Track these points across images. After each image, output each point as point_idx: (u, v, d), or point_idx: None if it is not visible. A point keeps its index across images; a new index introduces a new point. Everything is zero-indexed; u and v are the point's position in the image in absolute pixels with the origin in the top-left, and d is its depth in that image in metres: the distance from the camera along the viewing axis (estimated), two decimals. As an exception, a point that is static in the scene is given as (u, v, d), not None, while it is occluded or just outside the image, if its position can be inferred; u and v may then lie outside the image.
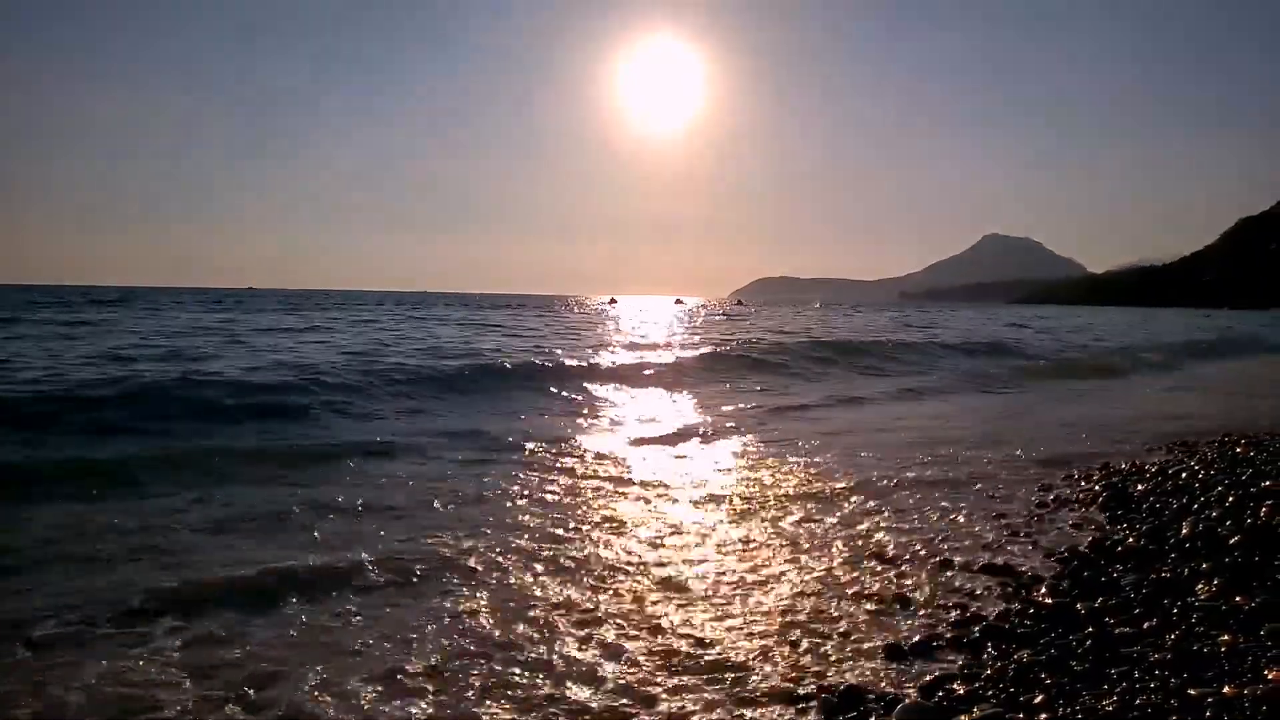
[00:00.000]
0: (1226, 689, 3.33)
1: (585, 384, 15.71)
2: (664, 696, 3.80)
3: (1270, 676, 3.40)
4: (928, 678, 3.82)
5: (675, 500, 7.34)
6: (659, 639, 4.41)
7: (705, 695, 3.81)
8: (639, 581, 5.28)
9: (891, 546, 5.96)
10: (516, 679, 3.96)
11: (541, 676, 3.98)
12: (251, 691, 3.79)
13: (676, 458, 9.48)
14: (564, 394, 14.61)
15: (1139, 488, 7.39)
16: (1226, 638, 3.89)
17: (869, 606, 4.81)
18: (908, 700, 3.62)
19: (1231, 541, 5.31)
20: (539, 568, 5.49)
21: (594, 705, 3.72)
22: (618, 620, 4.65)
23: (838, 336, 30.02)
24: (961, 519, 6.73)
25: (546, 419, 12.35)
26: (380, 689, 3.84)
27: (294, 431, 10.37)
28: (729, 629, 4.53)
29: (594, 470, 8.55)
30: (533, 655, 4.20)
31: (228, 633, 4.40)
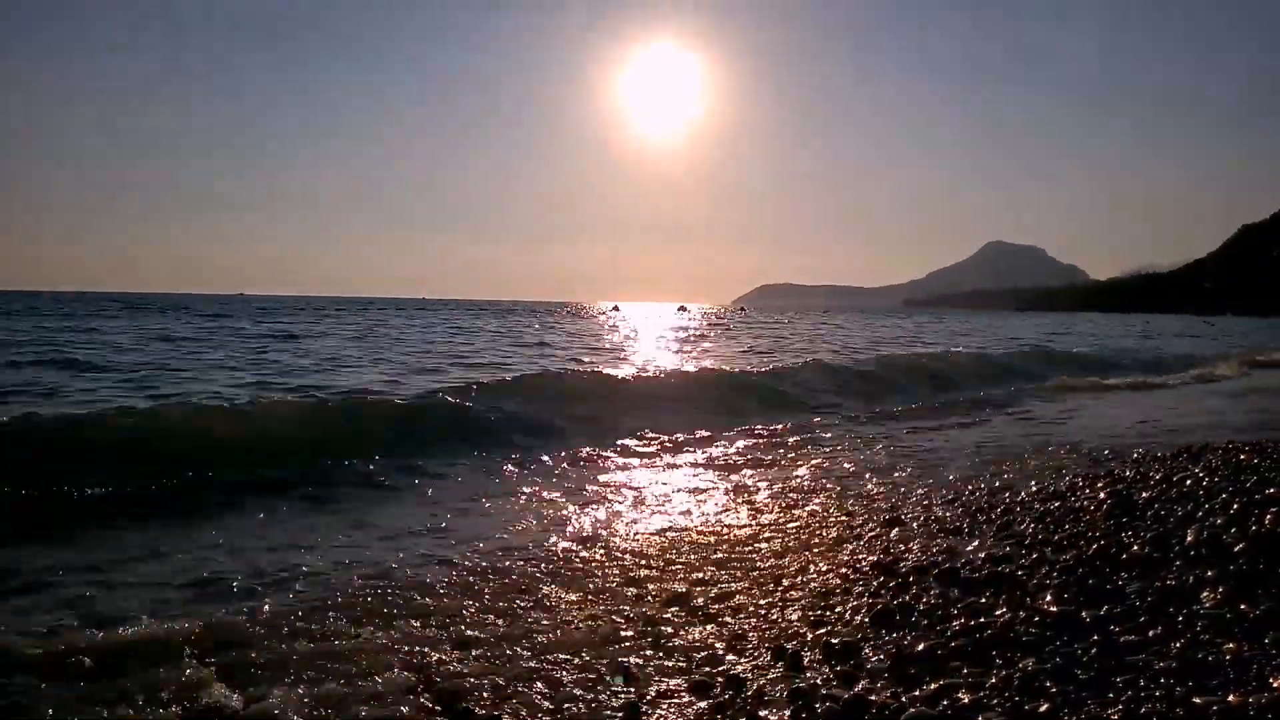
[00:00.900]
0: (1232, 697, 3.33)
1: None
2: None
3: (1276, 684, 3.40)
4: (932, 686, 3.81)
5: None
6: None
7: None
8: None
9: (890, 554, 5.95)
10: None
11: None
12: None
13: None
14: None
15: (1143, 495, 7.38)
16: (1232, 646, 3.87)
17: (867, 616, 4.80)
18: (912, 710, 3.61)
19: (1237, 549, 5.29)
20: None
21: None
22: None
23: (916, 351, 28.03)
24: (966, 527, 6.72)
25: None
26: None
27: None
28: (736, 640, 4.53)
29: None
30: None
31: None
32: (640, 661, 4.34)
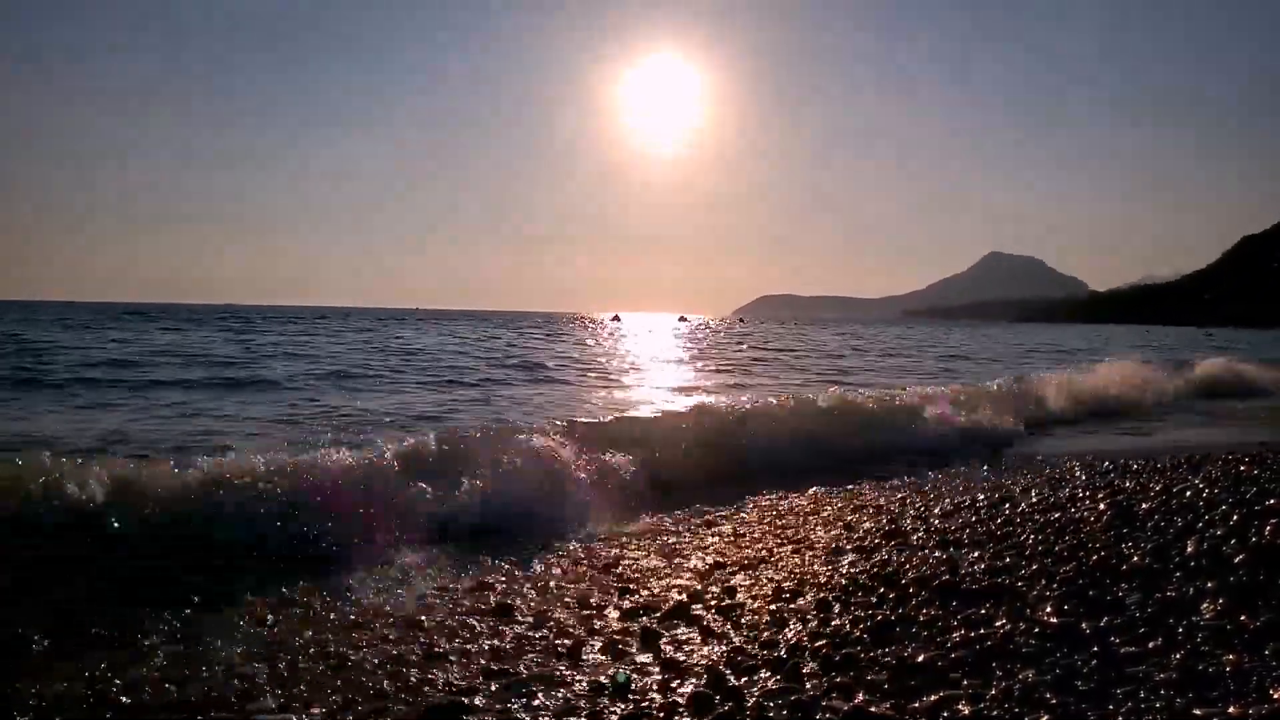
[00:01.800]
0: (1232, 709, 3.33)
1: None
2: None
3: (1276, 696, 3.39)
4: (932, 698, 3.81)
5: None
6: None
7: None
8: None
9: (890, 565, 5.95)
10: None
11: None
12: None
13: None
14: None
15: (1144, 506, 7.37)
16: (1232, 657, 3.87)
17: (867, 628, 4.80)
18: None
19: (1236, 560, 5.29)
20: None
21: None
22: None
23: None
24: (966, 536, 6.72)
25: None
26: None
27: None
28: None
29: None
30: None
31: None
32: (640, 674, 4.34)
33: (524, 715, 3.85)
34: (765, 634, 4.80)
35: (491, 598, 5.55)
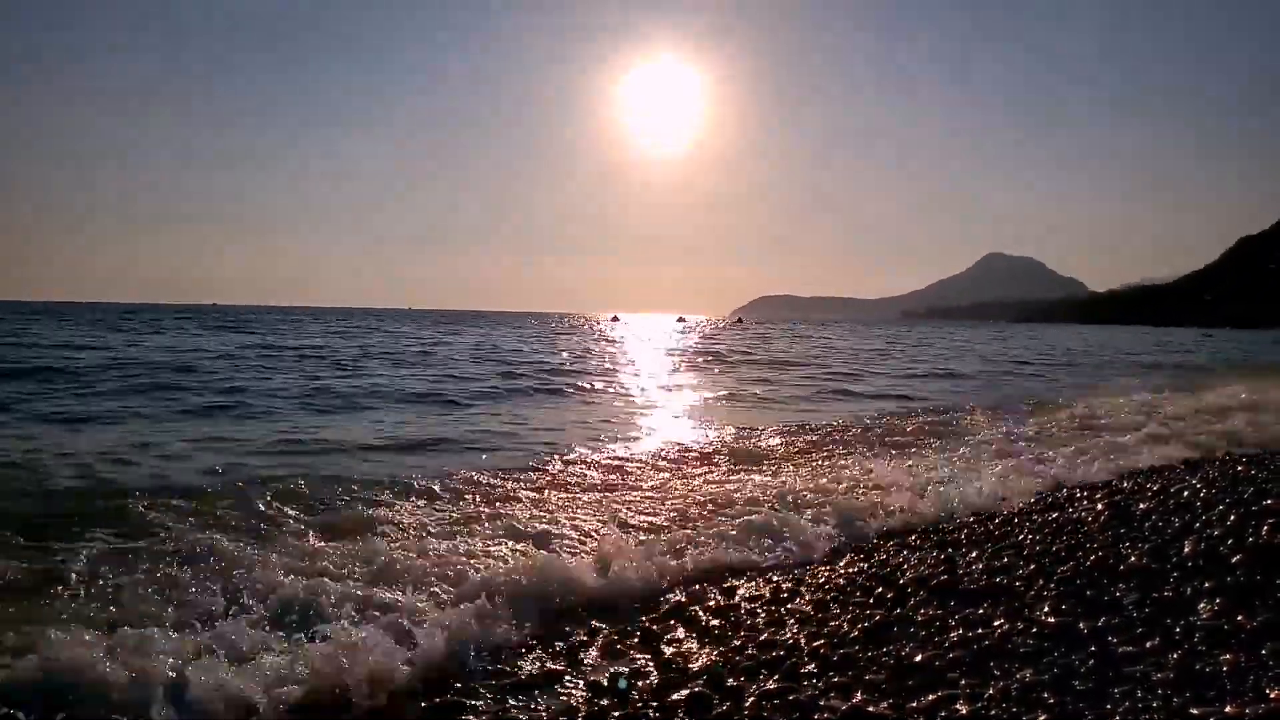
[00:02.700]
0: (1229, 708, 3.33)
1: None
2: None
3: (1273, 696, 3.40)
4: (931, 698, 3.81)
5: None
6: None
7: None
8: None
9: (888, 565, 5.95)
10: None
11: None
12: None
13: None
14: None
15: (1141, 506, 7.38)
16: (1229, 657, 3.88)
17: (865, 627, 4.80)
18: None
19: (1234, 560, 5.30)
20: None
21: None
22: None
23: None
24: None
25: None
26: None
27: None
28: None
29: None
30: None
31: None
32: (638, 676, 4.34)
33: None
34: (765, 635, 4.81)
35: None
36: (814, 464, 10.44)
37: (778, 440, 12.43)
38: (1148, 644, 4.18)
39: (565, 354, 33.96)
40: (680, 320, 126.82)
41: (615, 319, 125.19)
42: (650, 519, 7.48)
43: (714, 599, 5.53)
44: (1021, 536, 6.61)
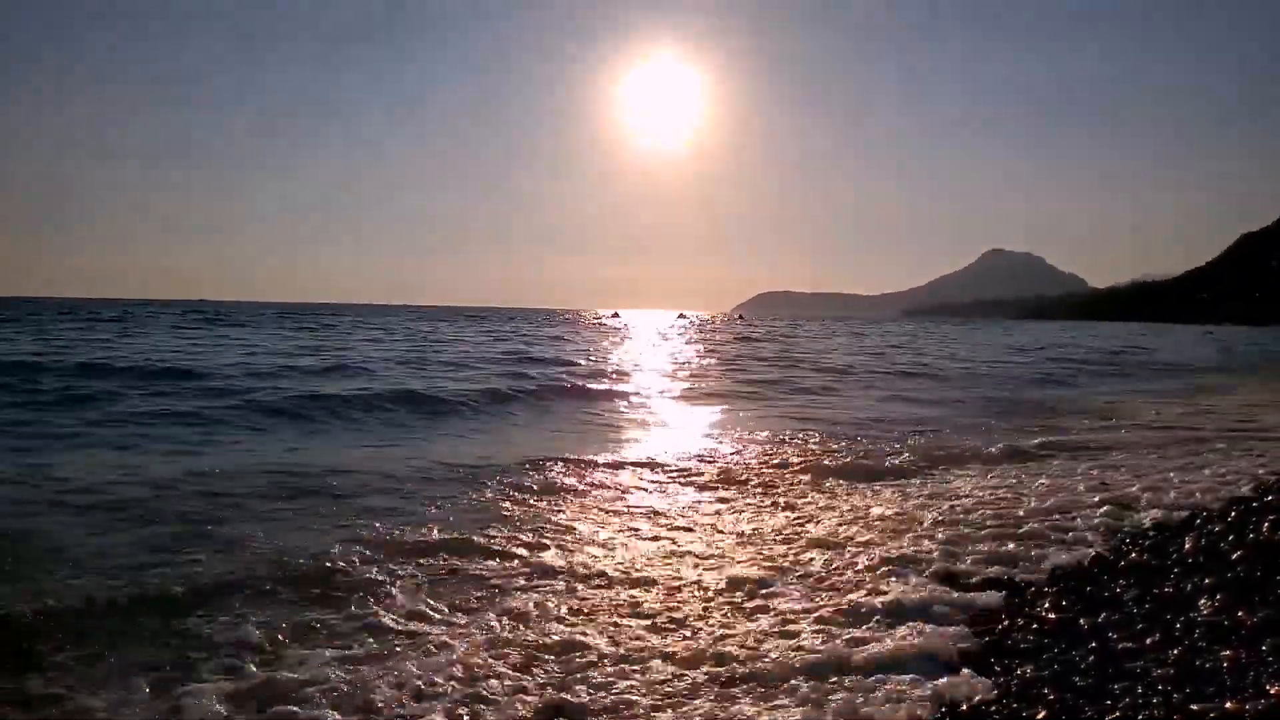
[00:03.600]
0: (1229, 704, 3.33)
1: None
2: None
3: (1273, 692, 3.40)
4: (929, 690, 3.82)
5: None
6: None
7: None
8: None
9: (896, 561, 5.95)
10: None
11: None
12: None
13: None
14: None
15: (1141, 502, 7.38)
16: (1229, 653, 3.88)
17: (871, 621, 4.80)
18: (913, 713, 3.63)
19: (1234, 557, 5.30)
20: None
21: None
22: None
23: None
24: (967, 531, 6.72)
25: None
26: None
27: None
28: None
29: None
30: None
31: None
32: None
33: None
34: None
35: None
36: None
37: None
38: (1148, 640, 4.19)
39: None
40: (681, 316, 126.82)
41: (615, 315, 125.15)
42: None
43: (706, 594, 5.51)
44: (1023, 530, 6.60)
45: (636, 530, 6.89)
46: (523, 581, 5.53)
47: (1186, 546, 5.69)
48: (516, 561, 5.95)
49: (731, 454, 10.72)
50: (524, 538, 6.52)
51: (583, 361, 26.48)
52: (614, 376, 22.16)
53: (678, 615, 4.92)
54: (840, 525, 6.94)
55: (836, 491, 8.40)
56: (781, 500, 7.98)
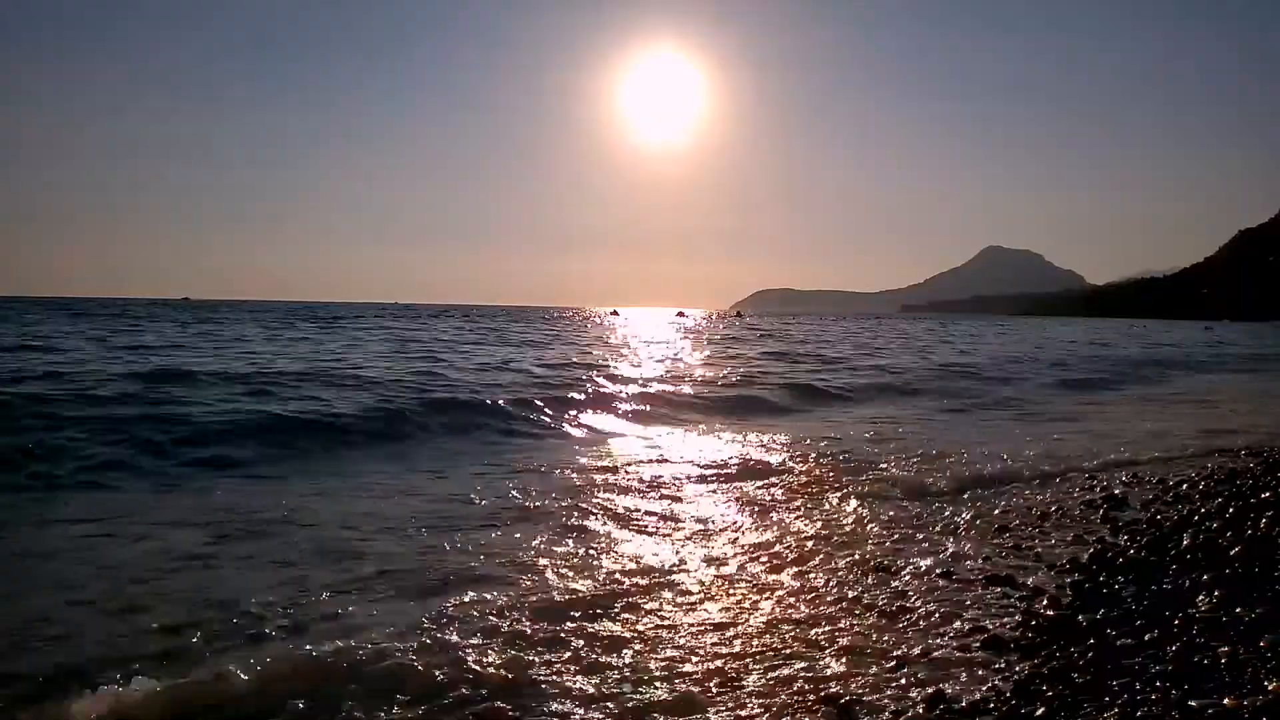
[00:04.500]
0: (1228, 700, 3.33)
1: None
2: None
3: (1271, 688, 3.40)
4: (929, 689, 3.82)
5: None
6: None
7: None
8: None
9: (892, 557, 5.95)
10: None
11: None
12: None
13: None
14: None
15: (1140, 499, 7.39)
16: (1227, 649, 3.88)
17: (870, 619, 4.80)
18: (909, 713, 3.62)
19: (1232, 553, 5.30)
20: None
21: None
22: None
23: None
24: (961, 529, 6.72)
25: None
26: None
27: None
28: (730, 638, 4.52)
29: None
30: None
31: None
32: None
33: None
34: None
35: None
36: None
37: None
38: (1146, 636, 4.18)
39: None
40: (680, 314, 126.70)
41: (615, 313, 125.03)
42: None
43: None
44: (1020, 528, 6.61)
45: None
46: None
47: (1185, 542, 5.67)
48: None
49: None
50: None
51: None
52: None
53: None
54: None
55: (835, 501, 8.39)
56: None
